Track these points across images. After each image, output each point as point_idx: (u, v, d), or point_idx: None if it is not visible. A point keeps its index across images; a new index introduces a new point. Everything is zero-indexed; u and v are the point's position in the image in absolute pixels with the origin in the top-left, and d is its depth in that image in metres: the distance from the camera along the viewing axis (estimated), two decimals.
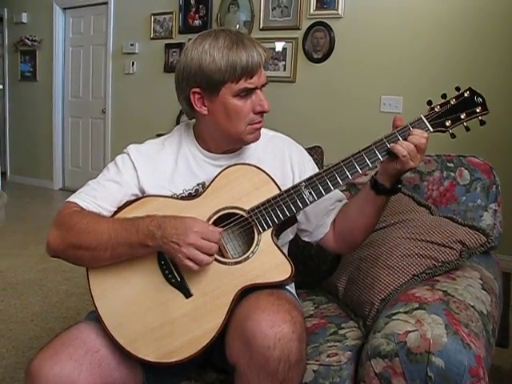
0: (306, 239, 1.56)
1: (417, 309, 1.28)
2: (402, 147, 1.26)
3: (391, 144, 1.27)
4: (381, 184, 1.34)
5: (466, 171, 1.81)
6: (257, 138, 1.42)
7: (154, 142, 1.51)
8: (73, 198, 1.38)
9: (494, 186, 1.79)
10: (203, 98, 1.36)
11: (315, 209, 1.47)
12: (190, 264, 1.21)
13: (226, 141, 1.43)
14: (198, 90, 1.35)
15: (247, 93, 1.33)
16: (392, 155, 1.28)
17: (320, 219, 1.50)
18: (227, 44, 1.30)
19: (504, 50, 3.94)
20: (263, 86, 1.38)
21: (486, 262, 1.71)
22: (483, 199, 1.78)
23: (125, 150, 1.47)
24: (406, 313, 1.27)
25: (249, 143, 1.43)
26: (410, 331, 1.19)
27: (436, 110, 1.31)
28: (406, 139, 1.27)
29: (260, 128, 1.41)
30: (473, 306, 1.34)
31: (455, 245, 1.55)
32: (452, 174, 1.83)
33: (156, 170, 1.43)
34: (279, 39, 4.92)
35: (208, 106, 1.36)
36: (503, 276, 1.81)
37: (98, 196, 1.37)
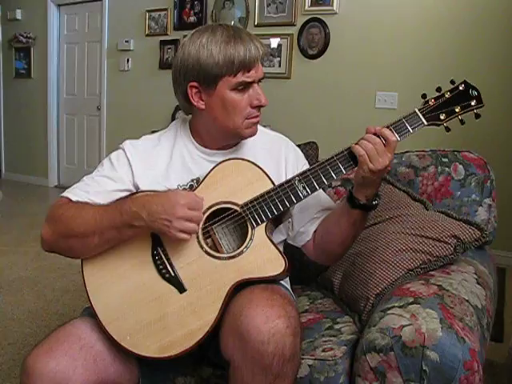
0: (289, 241, 1.56)
1: (412, 303, 1.28)
2: (361, 147, 1.25)
3: (352, 145, 1.28)
4: (355, 198, 1.33)
5: (461, 166, 1.81)
6: (254, 133, 1.42)
7: (150, 138, 1.51)
8: (66, 193, 1.39)
9: (489, 181, 1.79)
10: (200, 93, 1.36)
11: (300, 215, 1.47)
12: (183, 235, 1.23)
13: (222, 136, 1.42)
14: (195, 84, 1.35)
15: (244, 87, 1.33)
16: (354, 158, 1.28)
17: (302, 226, 1.50)
18: (224, 38, 1.30)
19: (498, 45, 3.95)
20: (260, 80, 1.38)
21: (481, 257, 1.71)
22: (478, 194, 1.78)
23: (120, 146, 1.47)
24: (400, 307, 1.27)
25: (246, 137, 1.43)
26: (404, 325, 1.19)
27: (430, 103, 1.31)
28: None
29: (257, 122, 1.41)
30: (467, 301, 1.34)
31: (450, 239, 1.55)
32: (447, 168, 1.83)
33: (151, 166, 1.43)
34: (274, 35, 4.92)
35: (205, 100, 1.36)
36: (498, 271, 1.82)
37: (91, 191, 1.38)
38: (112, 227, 1.27)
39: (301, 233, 1.50)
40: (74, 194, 1.37)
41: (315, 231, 1.49)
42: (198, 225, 1.27)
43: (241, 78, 1.32)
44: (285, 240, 1.55)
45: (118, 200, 1.36)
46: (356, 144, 1.27)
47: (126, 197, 1.38)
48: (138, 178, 1.42)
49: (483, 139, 3.73)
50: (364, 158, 1.24)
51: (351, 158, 1.29)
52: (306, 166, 1.54)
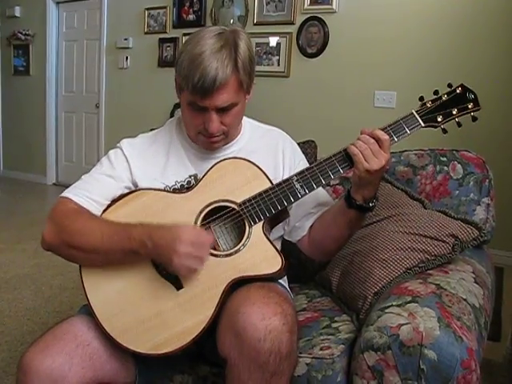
0: (285, 237, 1.56)
1: (409, 302, 1.28)
2: (355, 146, 1.26)
3: (348, 146, 1.28)
4: (352, 198, 1.33)
5: (459, 165, 1.81)
6: (211, 149, 1.43)
7: (147, 136, 1.53)
8: (67, 193, 1.39)
9: (487, 180, 1.79)
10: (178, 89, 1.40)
11: (296, 209, 1.47)
12: (185, 272, 1.24)
13: None
14: (178, 78, 1.37)
15: (200, 108, 1.32)
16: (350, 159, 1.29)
17: (299, 221, 1.50)
18: (196, 54, 1.27)
19: (497, 45, 3.95)
20: (225, 108, 1.33)
21: (479, 256, 1.71)
22: (476, 193, 1.78)
23: (118, 145, 1.49)
24: (398, 306, 1.27)
25: (206, 149, 1.44)
26: (402, 324, 1.19)
27: (428, 105, 1.32)
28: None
29: (213, 142, 1.39)
30: (465, 300, 1.34)
31: (448, 238, 1.55)
32: (445, 168, 1.83)
33: (148, 163, 1.44)
34: (273, 34, 4.91)
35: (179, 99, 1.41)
36: (495, 270, 1.82)
37: (92, 190, 1.38)
38: (119, 251, 1.27)
39: (297, 228, 1.51)
40: (75, 193, 1.37)
41: (311, 227, 1.50)
42: (202, 262, 1.25)
43: (194, 99, 1.31)
44: (282, 236, 1.55)
45: (127, 224, 1.32)
46: (351, 144, 1.27)
47: (128, 193, 1.38)
48: (136, 175, 1.42)
49: (482, 139, 3.73)
50: (359, 157, 1.24)
51: (348, 158, 1.30)
52: (303, 160, 1.56)
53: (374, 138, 1.25)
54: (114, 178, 1.41)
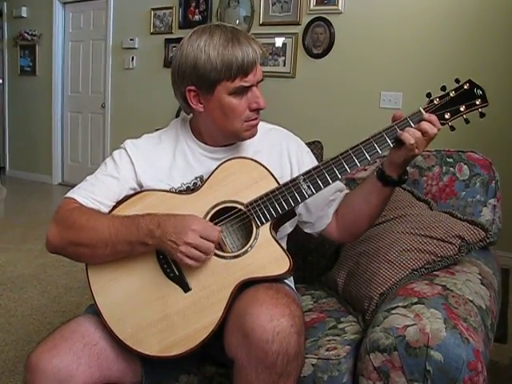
0: (307, 231, 1.56)
1: (416, 303, 1.28)
2: (409, 134, 1.26)
3: (399, 132, 1.28)
4: (388, 175, 1.34)
5: (466, 166, 1.81)
6: (253, 135, 1.42)
7: (151, 136, 1.51)
8: (71, 194, 1.38)
9: (494, 182, 1.79)
10: (199, 96, 1.35)
11: (316, 200, 1.46)
12: (190, 262, 1.22)
13: (222, 136, 1.43)
14: (193, 87, 1.34)
15: (243, 90, 1.32)
16: (399, 143, 1.28)
17: (321, 210, 1.50)
18: (222, 42, 1.28)
19: (504, 45, 3.94)
20: (259, 82, 1.36)
21: (485, 258, 1.71)
22: (482, 194, 1.78)
23: (122, 145, 1.47)
24: (405, 307, 1.27)
25: (245, 139, 1.43)
26: (408, 325, 1.19)
27: (435, 102, 1.31)
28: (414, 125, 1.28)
29: (257, 124, 1.40)
30: (472, 301, 1.34)
31: (454, 240, 1.55)
32: (451, 169, 1.83)
33: (153, 164, 1.43)
34: (279, 34, 4.91)
35: (204, 104, 1.36)
36: (502, 272, 1.81)
37: (96, 191, 1.37)
38: (126, 242, 1.27)
39: (320, 217, 1.51)
40: (80, 194, 1.37)
41: (336, 213, 1.51)
42: (208, 255, 1.25)
43: (239, 82, 1.30)
44: (287, 235, 1.55)
45: (128, 202, 1.36)
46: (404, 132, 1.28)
47: (134, 194, 1.38)
48: (141, 176, 1.42)
49: (488, 140, 3.72)
50: (413, 145, 1.26)
51: (355, 157, 1.30)
52: (309, 152, 1.56)
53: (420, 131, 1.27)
54: (119, 179, 1.40)
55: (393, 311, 1.27)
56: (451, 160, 1.84)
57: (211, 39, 1.29)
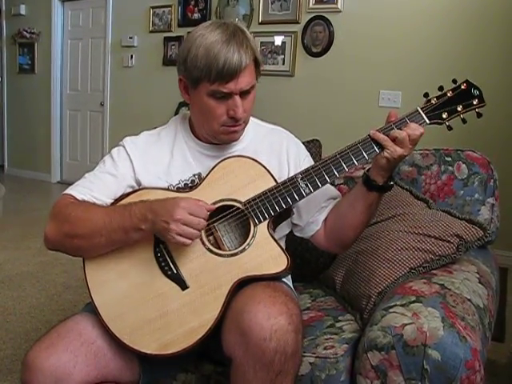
0: (297, 234, 1.56)
1: (413, 302, 1.28)
2: (394, 135, 1.26)
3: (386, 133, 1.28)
4: (372, 180, 1.33)
5: (464, 165, 1.81)
6: (232, 139, 1.42)
7: (150, 134, 1.52)
8: (69, 191, 1.39)
9: (492, 181, 1.79)
10: (187, 88, 1.38)
11: (308, 205, 1.46)
12: (181, 239, 1.22)
13: (205, 133, 1.44)
14: (183, 78, 1.38)
15: (222, 96, 1.32)
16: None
17: (312, 216, 1.49)
18: (211, 43, 1.28)
19: (503, 44, 3.93)
20: (246, 91, 1.34)
21: (483, 256, 1.71)
22: (481, 193, 1.78)
23: (120, 143, 1.48)
24: (402, 306, 1.27)
25: (224, 143, 1.44)
26: (406, 324, 1.19)
27: (432, 102, 1.31)
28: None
29: (235, 131, 1.39)
30: (469, 300, 1.34)
31: (452, 238, 1.55)
32: (450, 168, 1.83)
33: (152, 162, 1.44)
34: (278, 33, 4.90)
35: (190, 96, 1.39)
36: (500, 271, 1.81)
37: (94, 188, 1.38)
38: (120, 229, 1.27)
39: (310, 223, 1.50)
40: (78, 191, 1.37)
41: (325, 220, 1.49)
42: (199, 231, 1.25)
43: (217, 87, 1.30)
44: (286, 235, 1.55)
45: (125, 200, 1.37)
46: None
47: (131, 192, 1.39)
48: (139, 173, 1.42)
49: (487, 139, 3.72)
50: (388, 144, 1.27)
51: (353, 156, 1.30)
52: (308, 157, 1.55)
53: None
54: (117, 176, 1.41)
55: (391, 310, 1.27)
56: (450, 159, 1.84)
57: (205, 38, 1.30)
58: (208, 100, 1.33)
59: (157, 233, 1.28)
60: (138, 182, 1.42)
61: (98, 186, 1.38)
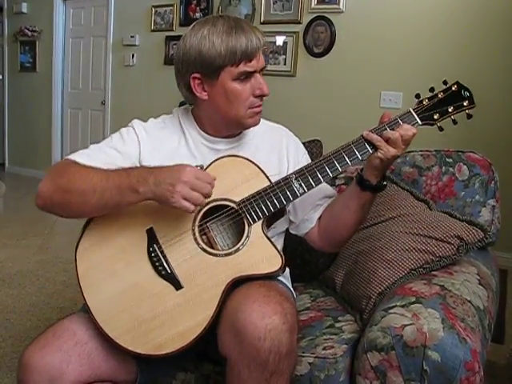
0: (292, 231, 1.56)
1: (413, 303, 1.28)
2: (387, 136, 1.27)
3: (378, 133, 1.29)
4: (366, 180, 1.34)
5: (465, 167, 1.81)
6: (256, 122, 1.43)
7: (156, 121, 1.52)
8: (71, 156, 1.38)
9: (493, 182, 1.78)
10: (203, 83, 1.37)
11: (303, 202, 1.47)
12: (186, 204, 1.20)
13: (225, 125, 1.43)
14: (197, 75, 1.36)
15: (246, 76, 1.34)
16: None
17: (306, 213, 1.49)
18: (226, 29, 1.32)
19: (505, 45, 3.93)
20: (262, 70, 1.38)
21: (484, 258, 1.71)
22: (482, 195, 1.77)
23: (130, 124, 1.48)
24: (402, 306, 1.27)
25: (249, 127, 1.44)
26: (406, 325, 1.19)
27: (424, 103, 1.32)
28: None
29: (260, 112, 1.42)
30: (469, 301, 1.34)
31: (453, 240, 1.55)
32: (451, 169, 1.83)
33: (158, 148, 1.44)
34: (280, 33, 4.90)
35: (208, 91, 1.37)
36: (500, 272, 1.81)
37: (97, 159, 1.36)
38: (116, 187, 1.24)
39: (304, 220, 1.50)
40: (79, 157, 1.36)
41: (319, 218, 1.50)
42: (205, 197, 1.23)
43: (243, 68, 1.33)
44: (284, 232, 1.56)
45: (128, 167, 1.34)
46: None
47: (137, 166, 1.39)
48: (144, 157, 1.42)
49: (488, 140, 3.72)
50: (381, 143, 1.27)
51: (347, 156, 1.31)
52: (305, 154, 1.57)
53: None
54: (122, 153, 1.40)
55: (390, 310, 1.27)
56: (451, 160, 1.84)
57: (214, 28, 1.33)
58: (232, 84, 1.34)
59: (157, 197, 1.23)
60: (141, 164, 1.41)
61: (100, 158, 1.37)
